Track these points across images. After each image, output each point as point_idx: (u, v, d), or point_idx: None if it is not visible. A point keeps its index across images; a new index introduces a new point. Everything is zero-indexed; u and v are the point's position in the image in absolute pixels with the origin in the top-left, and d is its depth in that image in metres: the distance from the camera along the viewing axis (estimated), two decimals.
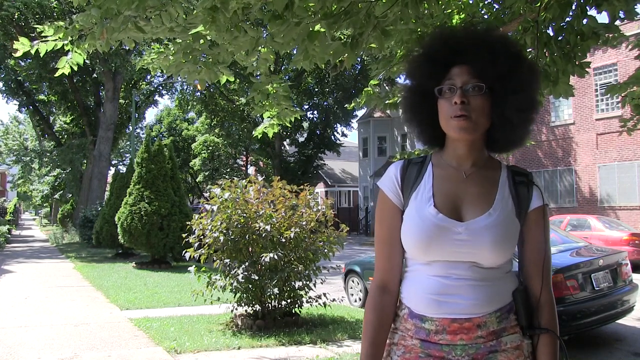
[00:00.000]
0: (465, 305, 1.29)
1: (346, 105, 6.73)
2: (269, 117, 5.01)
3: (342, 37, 3.67)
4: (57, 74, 3.78)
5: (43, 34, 3.49)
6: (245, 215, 5.66)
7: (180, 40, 3.79)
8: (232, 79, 4.37)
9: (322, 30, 3.01)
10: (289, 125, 5.22)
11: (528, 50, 4.02)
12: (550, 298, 1.37)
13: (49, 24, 3.52)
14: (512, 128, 1.34)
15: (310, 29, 2.97)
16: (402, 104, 1.48)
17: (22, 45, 3.46)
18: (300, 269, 5.69)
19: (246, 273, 5.44)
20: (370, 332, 1.39)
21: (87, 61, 20.86)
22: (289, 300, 5.90)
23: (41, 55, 3.62)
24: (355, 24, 2.99)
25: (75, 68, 3.71)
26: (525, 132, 1.37)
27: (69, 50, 3.64)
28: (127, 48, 20.60)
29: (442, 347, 1.31)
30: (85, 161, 24.84)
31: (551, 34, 3.89)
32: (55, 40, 3.49)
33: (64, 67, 3.66)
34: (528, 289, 1.36)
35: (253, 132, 5.61)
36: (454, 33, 1.40)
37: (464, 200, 1.35)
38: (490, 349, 1.30)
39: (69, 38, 3.47)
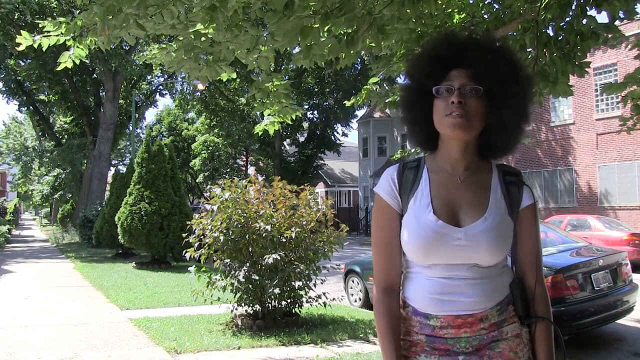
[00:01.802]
0: (467, 303, 1.36)
1: (345, 102, 6.72)
2: (269, 114, 5.01)
3: (340, 34, 3.67)
4: (59, 68, 3.77)
5: (45, 29, 3.49)
6: (245, 215, 5.66)
7: (182, 38, 3.80)
8: (233, 76, 4.37)
9: (316, 25, 3.00)
10: (290, 122, 5.23)
11: (528, 50, 4.02)
12: (544, 289, 1.44)
13: (50, 19, 3.53)
14: (507, 133, 1.39)
15: (304, 25, 2.97)
16: (399, 102, 1.52)
17: (25, 40, 3.46)
18: (300, 269, 5.69)
19: (247, 273, 5.44)
20: (389, 334, 1.41)
21: (87, 61, 20.90)
22: (289, 300, 5.89)
23: (44, 49, 3.62)
24: (351, 21, 2.99)
25: (78, 62, 3.71)
26: (517, 140, 1.43)
27: (70, 46, 3.64)
28: (127, 48, 20.69)
29: (447, 340, 1.37)
30: (85, 161, 24.84)
31: (551, 34, 3.90)
32: (58, 35, 3.48)
33: (66, 61, 3.66)
34: (523, 282, 1.43)
35: (254, 130, 5.62)
36: (456, 36, 1.44)
37: (460, 205, 1.39)
38: (492, 339, 1.37)
39: (71, 34, 3.47)
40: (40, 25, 3.55)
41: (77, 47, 3.60)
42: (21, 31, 3.61)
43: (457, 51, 1.38)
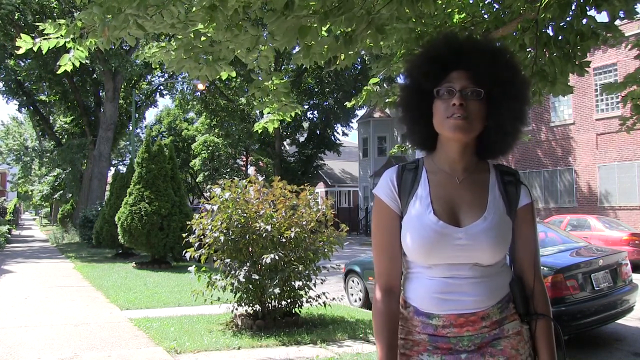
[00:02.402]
0: (469, 302, 1.37)
1: (346, 103, 6.73)
2: (269, 112, 5.01)
3: (339, 32, 3.67)
4: (59, 71, 3.77)
5: (45, 32, 3.48)
6: (245, 215, 5.66)
7: (182, 37, 3.79)
8: (233, 74, 4.36)
9: (314, 25, 3.01)
10: (289, 120, 5.23)
11: (528, 50, 4.02)
12: (543, 287, 1.45)
13: (50, 21, 3.53)
14: (505, 135, 1.41)
15: (302, 24, 2.97)
16: (398, 102, 1.53)
17: (24, 43, 3.46)
18: (300, 269, 5.69)
19: (247, 273, 5.44)
20: (387, 335, 1.41)
21: (87, 61, 20.86)
22: (289, 300, 5.89)
23: (44, 52, 3.62)
24: (350, 20, 2.99)
25: (78, 64, 3.71)
26: (514, 141, 1.45)
27: (70, 48, 3.64)
28: (127, 48, 20.69)
29: (450, 339, 1.38)
30: (85, 161, 24.84)
31: (551, 33, 3.89)
32: (58, 37, 3.48)
33: (66, 64, 3.66)
34: (522, 280, 1.44)
35: (254, 129, 5.62)
36: (457, 38, 1.46)
37: (460, 205, 1.41)
38: (494, 337, 1.38)
39: (71, 35, 3.47)
40: (40, 27, 3.55)
41: (77, 49, 3.60)
42: (21, 34, 3.60)
43: (457, 52, 1.39)
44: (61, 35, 3.48)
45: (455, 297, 1.37)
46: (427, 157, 1.49)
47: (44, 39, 3.52)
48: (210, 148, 37.87)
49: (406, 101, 1.47)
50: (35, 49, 3.52)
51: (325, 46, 3.43)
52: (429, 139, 1.46)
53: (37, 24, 3.85)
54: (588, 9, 3.66)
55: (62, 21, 3.49)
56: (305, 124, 30.71)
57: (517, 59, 1.53)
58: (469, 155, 1.43)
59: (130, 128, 25.99)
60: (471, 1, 4.49)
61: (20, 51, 3.54)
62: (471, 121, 1.34)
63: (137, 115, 26.54)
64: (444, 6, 4.31)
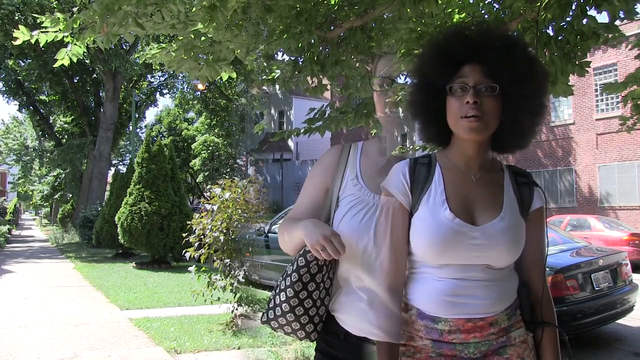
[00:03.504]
0: (480, 306, 1.30)
1: None
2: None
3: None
4: (56, 65, 3.74)
5: (43, 25, 3.47)
6: (245, 215, 5.66)
7: (182, 37, 3.79)
8: (234, 75, 4.34)
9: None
10: None
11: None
12: (549, 293, 1.41)
13: (49, 14, 3.51)
14: (522, 131, 1.33)
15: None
16: (407, 100, 1.44)
17: (22, 34, 3.44)
18: None
19: (246, 273, 5.44)
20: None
21: (87, 61, 20.89)
22: None
23: (41, 44, 3.59)
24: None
25: (75, 59, 3.68)
26: (532, 136, 1.37)
27: (68, 43, 3.62)
28: (127, 48, 20.69)
29: (456, 345, 1.30)
30: (85, 161, 24.84)
31: (551, 33, 3.89)
32: (56, 31, 3.46)
33: (63, 58, 3.64)
34: (529, 285, 1.38)
35: (254, 129, 5.62)
36: (469, 30, 1.37)
37: (475, 203, 1.33)
38: (500, 345, 1.32)
39: (69, 31, 3.46)
40: (38, 20, 3.53)
41: (75, 44, 3.58)
42: (19, 26, 3.57)
43: (469, 45, 1.30)
44: (59, 30, 3.46)
45: (465, 300, 1.29)
46: (440, 152, 1.41)
47: (42, 31, 3.49)
48: (210, 148, 37.85)
49: (417, 98, 1.39)
50: (32, 41, 3.49)
51: None
52: (442, 135, 1.38)
53: (36, 15, 3.82)
54: (588, 9, 3.66)
55: (60, 15, 3.46)
56: None
57: (532, 51, 1.46)
58: (484, 152, 1.36)
59: (130, 128, 25.99)
60: (471, 1, 4.48)
61: (17, 42, 3.49)
62: (486, 120, 1.26)
63: (137, 115, 26.53)
64: (444, 6, 4.31)
